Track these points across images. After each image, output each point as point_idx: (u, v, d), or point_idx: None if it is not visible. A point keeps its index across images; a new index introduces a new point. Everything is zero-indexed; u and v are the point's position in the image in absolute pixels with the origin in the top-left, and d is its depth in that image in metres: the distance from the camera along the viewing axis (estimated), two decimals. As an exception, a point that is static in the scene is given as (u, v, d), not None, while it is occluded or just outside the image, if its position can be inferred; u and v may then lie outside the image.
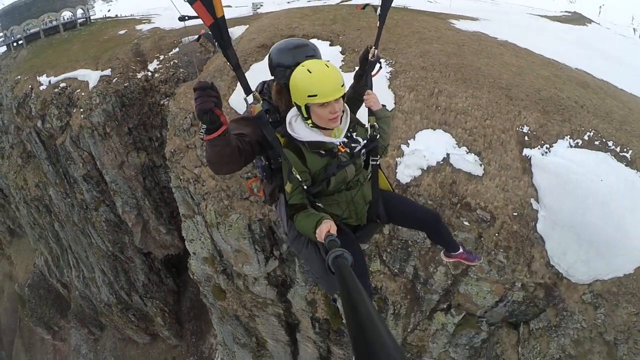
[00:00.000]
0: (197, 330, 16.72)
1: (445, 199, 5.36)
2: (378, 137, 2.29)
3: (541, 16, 17.14)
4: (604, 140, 5.26)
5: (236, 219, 6.57)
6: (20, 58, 18.15)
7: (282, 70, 2.16)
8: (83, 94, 11.61)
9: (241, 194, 6.59)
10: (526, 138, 5.41)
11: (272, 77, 2.30)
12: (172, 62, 12.76)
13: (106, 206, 13.04)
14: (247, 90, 1.96)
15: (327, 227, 1.81)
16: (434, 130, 5.73)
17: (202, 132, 1.78)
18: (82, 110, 11.38)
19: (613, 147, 5.24)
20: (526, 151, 5.34)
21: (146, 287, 15.08)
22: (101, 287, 15.57)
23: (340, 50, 7.38)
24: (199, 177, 6.97)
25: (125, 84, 11.71)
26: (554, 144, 5.29)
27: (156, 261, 14.70)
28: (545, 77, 6.48)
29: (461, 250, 2.75)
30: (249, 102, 1.96)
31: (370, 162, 2.35)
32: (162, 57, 13.18)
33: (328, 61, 2.01)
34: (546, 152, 5.22)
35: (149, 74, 12.47)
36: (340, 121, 2.08)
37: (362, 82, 2.46)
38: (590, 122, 5.48)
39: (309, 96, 1.93)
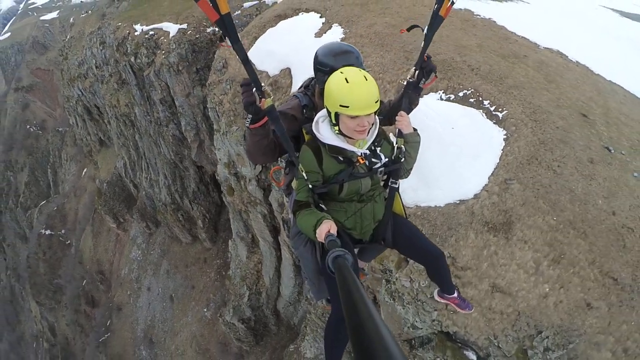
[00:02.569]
0: (227, 238, 21.22)
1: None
2: (402, 160, 2.26)
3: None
4: (481, 99, 5.61)
5: (236, 129, 9.95)
6: (122, 8, 23.38)
7: (321, 74, 2.24)
8: (165, 40, 15.61)
9: (242, 115, 9.95)
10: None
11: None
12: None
13: (174, 124, 17.35)
14: (257, 84, 1.97)
15: (327, 227, 1.86)
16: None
17: (247, 122, 2.04)
18: (163, 52, 15.45)
19: (488, 105, 5.48)
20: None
21: (195, 194, 19.58)
22: (162, 188, 20.40)
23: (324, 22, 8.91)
24: (222, 101, 10.40)
25: (197, 36, 15.49)
26: (424, 95, 5.56)
27: (206, 175, 18.97)
28: (465, 45, 6.85)
29: (456, 294, 2.73)
30: (258, 97, 1.98)
31: (390, 184, 2.32)
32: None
33: (367, 72, 1.98)
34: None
35: (215, 29, 16.16)
36: (368, 133, 2.08)
37: (413, 94, 2.44)
38: (473, 82, 5.85)
39: (341, 105, 1.92)
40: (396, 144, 2.28)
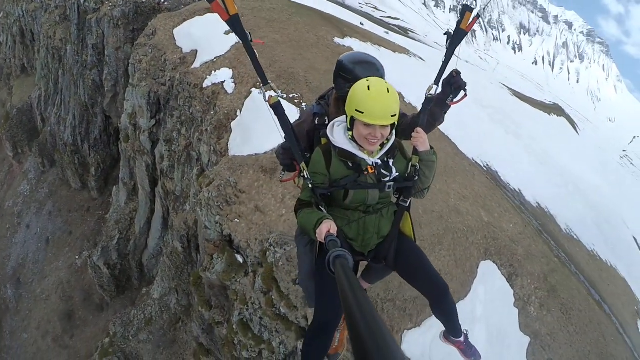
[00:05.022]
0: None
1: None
2: (416, 178, 2.23)
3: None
4: (302, 101, 8.02)
5: (144, 85, 11.85)
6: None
7: (342, 81, 2.32)
8: (115, -5, 17.21)
9: (153, 77, 11.95)
10: (258, 84, 8.58)
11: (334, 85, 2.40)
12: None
13: (97, 71, 18.32)
14: (264, 80, 2.21)
15: (327, 227, 1.86)
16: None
17: (282, 175, 2.57)
18: (110, 4, 16.91)
19: (303, 105, 7.80)
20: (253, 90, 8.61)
21: (96, 141, 20.22)
22: (67, 128, 20.72)
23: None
24: (141, 61, 12.28)
25: (143, 0, 17.28)
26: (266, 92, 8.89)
27: (111, 126, 19.85)
28: (316, 68, 9.25)
29: (462, 339, 2.56)
30: (265, 92, 2.24)
31: (400, 202, 2.33)
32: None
33: (391, 85, 2.00)
34: (260, 93, 9.35)
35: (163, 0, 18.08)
36: (382, 145, 2.12)
37: (439, 110, 2.39)
38: (302, 90, 8.14)
39: (356, 110, 1.96)
40: (411, 160, 2.26)
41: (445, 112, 2.43)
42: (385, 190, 2.19)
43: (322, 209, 2.15)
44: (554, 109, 30.40)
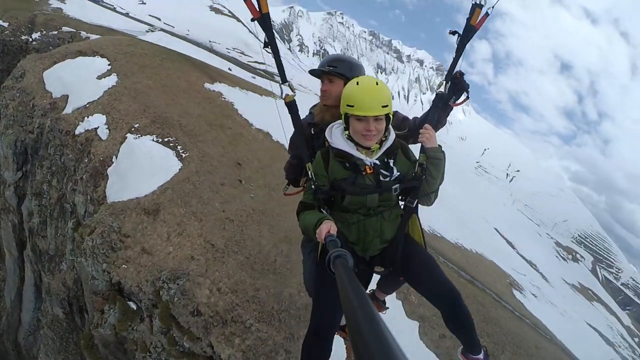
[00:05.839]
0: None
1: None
2: (423, 178, 2.16)
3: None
4: (177, 144, 8.23)
5: (11, 133, 10.57)
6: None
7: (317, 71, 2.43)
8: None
9: (21, 123, 10.75)
10: (135, 128, 8.45)
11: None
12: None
13: None
14: (283, 79, 2.26)
15: (327, 227, 1.85)
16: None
17: (286, 187, 2.57)
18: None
19: (179, 149, 8.09)
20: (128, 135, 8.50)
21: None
22: None
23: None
24: (8, 105, 10.93)
25: (11, 39, 15.66)
26: (141, 136, 8.15)
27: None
28: (189, 112, 9.59)
29: (482, 356, 2.28)
30: (284, 92, 2.27)
31: (405, 203, 2.26)
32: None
33: (380, 80, 2.05)
34: (137, 137, 8.25)
35: (30, 38, 16.55)
36: (381, 144, 2.09)
37: (442, 113, 2.36)
38: (177, 134, 8.45)
39: (347, 105, 1.99)
40: (418, 159, 2.20)
41: (447, 115, 2.42)
42: (385, 192, 2.12)
43: (324, 211, 2.14)
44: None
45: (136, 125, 8.75)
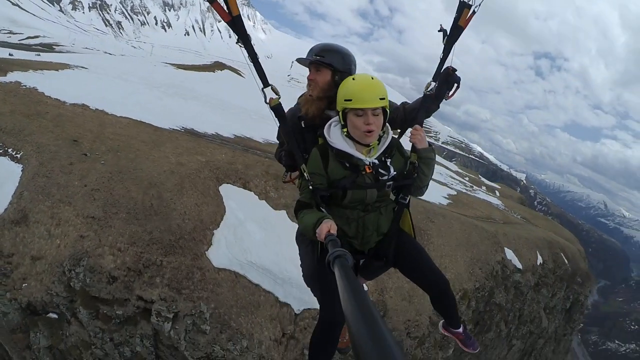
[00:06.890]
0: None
1: None
2: (415, 176, 2.24)
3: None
4: (7, 148, 7.35)
5: None
6: None
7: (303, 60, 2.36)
8: None
9: None
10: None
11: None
12: None
13: None
14: (265, 83, 2.16)
15: (327, 227, 1.82)
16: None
17: (285, 174, 2.56)
18: None
19: (11, 152, 7.29)
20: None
21: None
22: None
23: None
24: None
25: None
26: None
27: None
28: (1, 112, 8.42)
29: (461, 330, 2.65)
30: (267, 95, 2.17)
31: (399, 199, 2.32)
32: None
33: (375, 76, 2.07)
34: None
35: None
36: (379, 141, 2.12)
37: (433, 105, 2.39)
38: (2, 138, 7.46)
39: (345, 100, 1.99)
40: (410, 158, 2.28)
41: (438, 106, 2.49)
42: (383, 189, 2.18)
43: (322, 209, 2.14)
44: (216, 66, 34.37)
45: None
